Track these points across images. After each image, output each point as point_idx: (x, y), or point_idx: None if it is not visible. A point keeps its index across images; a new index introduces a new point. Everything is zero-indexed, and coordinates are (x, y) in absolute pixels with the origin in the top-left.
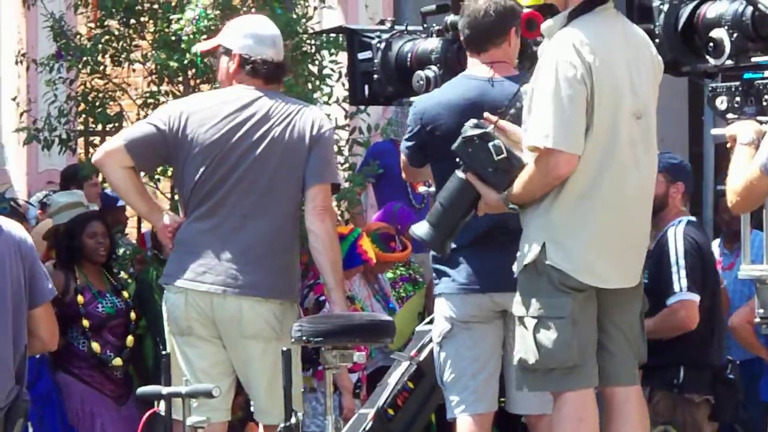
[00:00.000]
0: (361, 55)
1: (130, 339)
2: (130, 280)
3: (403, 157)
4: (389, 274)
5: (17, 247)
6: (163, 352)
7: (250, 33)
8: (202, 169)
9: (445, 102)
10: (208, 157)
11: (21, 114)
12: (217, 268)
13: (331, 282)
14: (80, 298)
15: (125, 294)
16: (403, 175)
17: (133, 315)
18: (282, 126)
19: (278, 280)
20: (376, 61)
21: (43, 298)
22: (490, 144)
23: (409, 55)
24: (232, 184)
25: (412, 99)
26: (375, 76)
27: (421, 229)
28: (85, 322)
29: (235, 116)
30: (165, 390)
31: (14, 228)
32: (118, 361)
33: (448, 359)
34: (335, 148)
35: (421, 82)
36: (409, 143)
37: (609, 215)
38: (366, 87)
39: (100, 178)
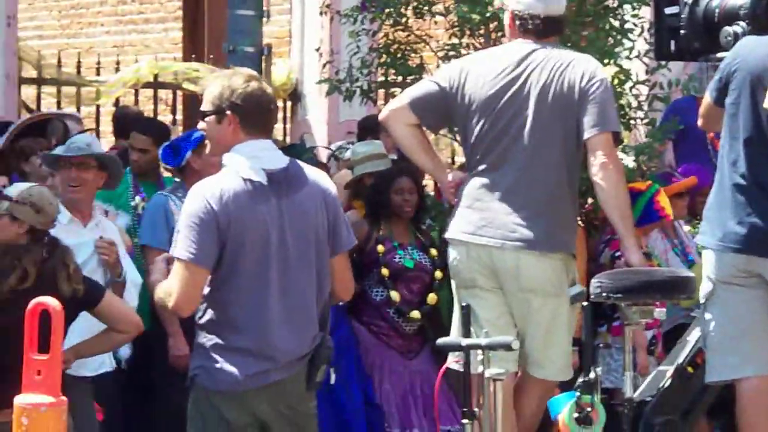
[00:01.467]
0: (668, 10)
1: (431, 297)
2: None
3: (706, 98)
4: (686, 227)
5: (322, 196)
6: (463, 304)
7: None
8: (480, 125)
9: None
10: (486, 113)
11: (324, 65)
12: (496, 221)
13: (621, 230)
14: (380, 248)
15: (433, 251)
16: (699, 122)
17: (438, 274)
18: (553, 79)
19: (557, 235)
20: (683, 16)
21: (342, 247)
22: None
23: (717, 10)
24: (509, 139)
25: (719, 55)
26: (681, 31)
27: None
28: (385, 271)
29: (509, 72)
30: (464, 342)
31: (320, 177)
32: (416, 314)
33: (711, 321)
34: (630, 101)
35: (729, 38)
36: (717, 82)
37: None
38: (672, 42)
39: None
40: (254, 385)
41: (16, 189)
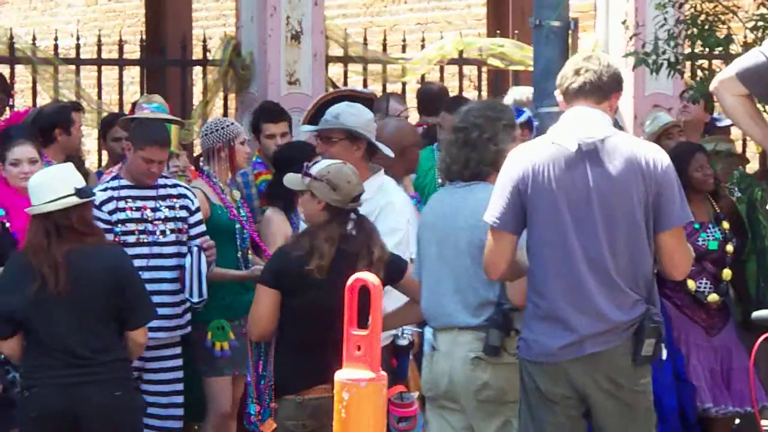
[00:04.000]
0: None
1: (726, 272)
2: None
3: None
4: None
5: (641, 169)
6: None
7: None
8: None
9: None
10: None
11: (630, 38)
12: None
13: None
14: None
15: (725, 224)
16: None
17: (729, 247)
18: None
19: None
20: None
21: (670, 224)
22: None
23: None
24: None
25: None
26: None
27: None
28: None
29: None
30: None
31: (644, 151)
32: (713, 297)
33: None
34: None
35: None
36: None
37: None
38: None
39: None
40: (567, 356)
41: (318, 166)
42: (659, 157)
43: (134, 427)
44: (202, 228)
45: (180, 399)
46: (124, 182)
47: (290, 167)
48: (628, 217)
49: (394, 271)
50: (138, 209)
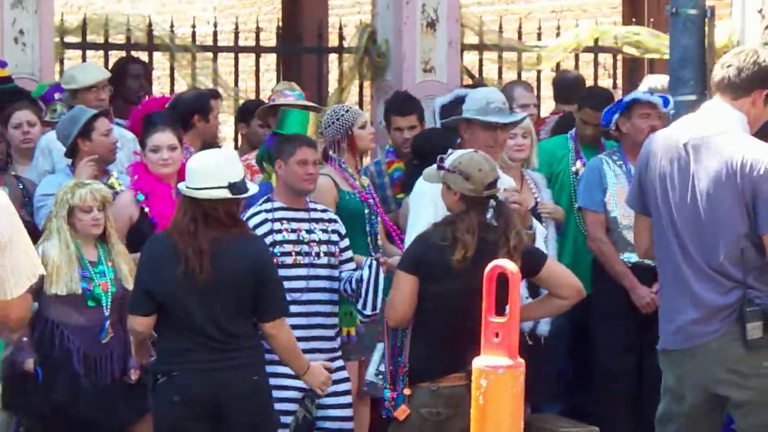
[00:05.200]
0: None
1: None
2: None
3: None
4: None
5: (739, 169)
6: None
7: None
8: None
9: None
10: None
11: (766, 27)
12: None
13: None
14: None
15: None
16: None
17: None
18: None
19: None
20: None
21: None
22: None
23: None
24: None
25: None
26: None
27: None
28: None
29: None
30: None
31: (742, 151)
32: None
33: None
34: None
35: None
36: None
37: None
38: None
39: None
40: (678, 346)
41: (451, 157)
42: (759, 159)
43: (271, 411)
44: (350, 254)
45: (348, 400)
46: (277, 204)
47: (428, 157)
48: (724, 216)
49: (531, 262)
50: (293, 231)
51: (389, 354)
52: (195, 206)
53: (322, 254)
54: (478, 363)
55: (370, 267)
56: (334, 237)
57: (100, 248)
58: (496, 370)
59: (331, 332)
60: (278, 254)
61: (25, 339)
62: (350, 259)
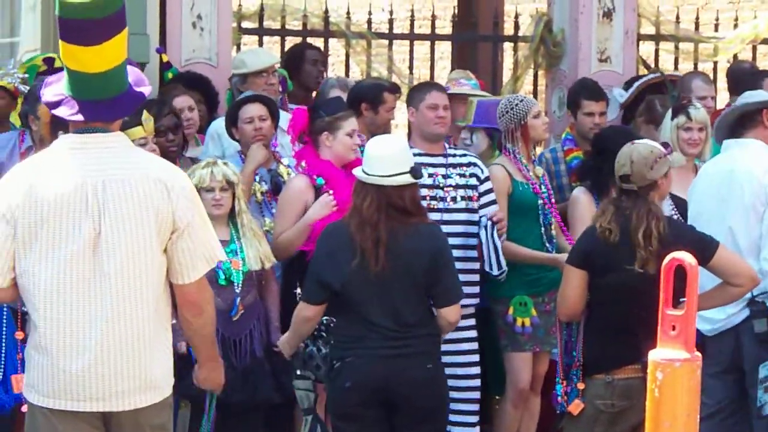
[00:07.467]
0: None
1: None
2: None
3: None
4: None
5: None
6: None
7: None
8: None
9: None
10: None
11: None
12: None
13: None
14: None
15: None
16: None
17: None
18: None
19: None
20: None
21: None
22: None
23: None
24: None
25: None
26: None
27: None
28: None
29: None
30: None
31: None
32: None
33: None
34: None
35: None
36: None
37: None
38: None
39: None
40: None
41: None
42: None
43: (444, 400)
44: (492, 197)
45: (476, 370)
46: (415, 150)
47: (610, 153)
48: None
49: (703, 249)
50: (430, 176)
51: (562, 348)
52: (380, 194)
53: (459, 198)
54: (654, 355)
55: (485, 228)
56: (473, 181)
57: (232, 227)
58: (672, 363)
59: (472, 277)
60: None
61: (174, 321)
62: (492, 202)
